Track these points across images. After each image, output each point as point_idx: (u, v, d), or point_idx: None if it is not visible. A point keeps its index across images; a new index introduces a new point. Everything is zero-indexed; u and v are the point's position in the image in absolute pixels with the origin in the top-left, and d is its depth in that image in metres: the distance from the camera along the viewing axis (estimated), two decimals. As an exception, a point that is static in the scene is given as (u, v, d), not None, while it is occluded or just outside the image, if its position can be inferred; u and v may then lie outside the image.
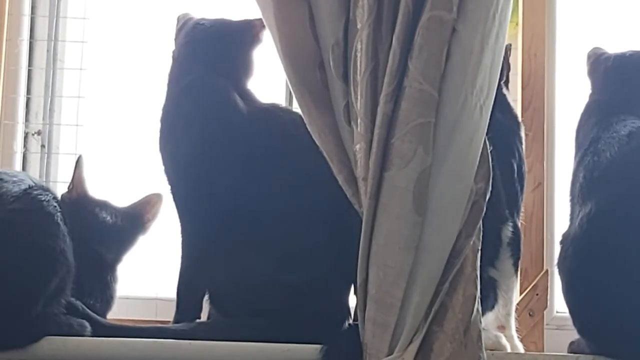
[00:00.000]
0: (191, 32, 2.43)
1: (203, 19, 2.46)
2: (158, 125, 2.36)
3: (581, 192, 2.36)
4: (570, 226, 2.38)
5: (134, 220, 2.49)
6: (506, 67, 2.51)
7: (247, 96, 2.36)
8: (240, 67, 2.41)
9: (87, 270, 2.20)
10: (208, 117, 2.28)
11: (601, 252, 2.25)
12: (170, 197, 2.34)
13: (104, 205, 2.46)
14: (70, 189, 2.45)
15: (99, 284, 2.36)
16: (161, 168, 2.35)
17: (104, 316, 2.32)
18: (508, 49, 2.55)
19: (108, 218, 2.44)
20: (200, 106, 2.30)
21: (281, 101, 2.67)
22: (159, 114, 2.37)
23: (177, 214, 2.32)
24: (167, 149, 2.34)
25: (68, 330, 2.10)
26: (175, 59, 2.44)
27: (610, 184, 2.31)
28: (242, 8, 2.49)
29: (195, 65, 2.37)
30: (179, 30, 2.47)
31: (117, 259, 2.45)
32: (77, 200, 2.41)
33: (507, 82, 2.53)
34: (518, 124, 2.45)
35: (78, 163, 2.47)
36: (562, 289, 2.35)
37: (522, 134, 2.44)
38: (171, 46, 2.52)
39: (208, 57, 2.38)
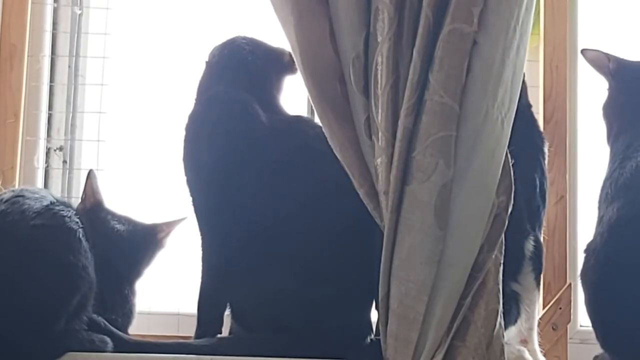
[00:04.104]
0: (229, 45, 2.45)
1: (244, 37, 2.48)
2: (183, 133, 2.36)
3: (606, 200, 2.35)
4: (594, 236, 2.36)
5: (148, 233, 2.49)
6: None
7: (271, 109, 2.36)
8: (270, 84, 2.42)
9: (103, 283, 2.19)
10: (229, 130, 2.28)
11: (622, 262, 2.24)
12: (192, 209, 2.34)
13: (116, 216, 2.46)
14: (83, 199, 2.47)
15: (118, 298, 2.37)
16: (183, 180, 2.34)
17: (125, 330, 2.32)
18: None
19: (120, 227, 2.44)
20: (222, 118, 2.30)
21: (303, 113, 2.67)
22: (185, 121, 2.37)
23: (198, 227, 2.32)
24: (190, 158, 2.33)
25: (90, 346, 2.10)
26: (208, 66, 2.45)
27: (633, 192, 2.30)
28: (266, 24, 2.50)
29: (224, 78, 2.39)
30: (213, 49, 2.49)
31: (133, 271, 2.45)
32: (90, 210, 2.42)
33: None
34: (542, 139, 2.44)
35: (89, 175, 2.49)
36: (585, 301, 2.34)
37: (546, 149, 2.43)
38: (193, 60, 2.53)
39: (238, 72, 2.39)
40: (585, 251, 2.35)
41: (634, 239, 2.25)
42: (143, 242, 2.47)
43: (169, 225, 2.52)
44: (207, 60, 2.46)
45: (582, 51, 2.62)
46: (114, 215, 2.47)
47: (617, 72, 2.55)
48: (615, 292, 2.26)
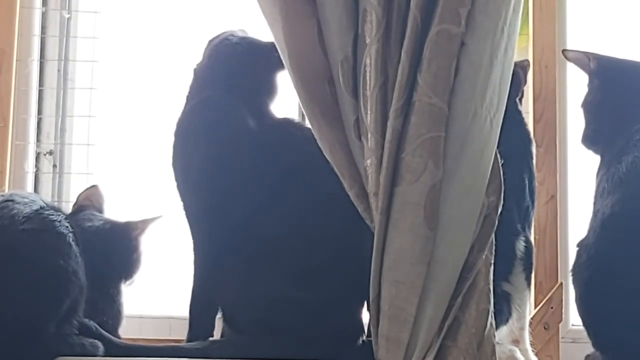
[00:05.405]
0: (215, 49, 2.44)
1: (232, 35, 2.47)
2: (171, 139, 2.36)
3: (602, 195, 2.35)
4: (588, 231, 2.36)
5: (122, 231, 2.48)
6: (524, 80, 2.50)
7: (261, 114, 2.35)
8: (260, 87, 2.40)
9: (89, 284, 2.18)
10: (216, 136, 2.28)
11: (614, 258, 2.23)
12: (183, 213, 2.34)
13: (92, 216, 2.47)
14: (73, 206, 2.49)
15: (104, 298, 2.36)
16: (173, 185, 2.34)
17: (116, 331, 2.33)
18: (527, 65, 2.54)
19: (94, 227, 2.43)
20: (209, 124, 2.30)
21: (294, 116, 2.66)
22: (173, 128, 2.37)
23: (190, 231, 2.32)
24: (179, 165, 2.34)
25: (81, 351, 2.09)
26: (197, 73, 2.44)
27: (627, 187, 2.29)
28: (252, 21, 2.49)
29: (212, 83, 2.38)
30: (209, 43, 2.47)
31: (114, 270, 2.44)
32: (72, 214, 2.43)
33: (521, 98, 2.53)
34: (529, 139, 2.45)
35: (89, 187, 2.55)
36: (575, 299, 2.33)
37: (533, 149, 2.43)
38: (182, 64, 2.52)
39: (227, 76, 2.38)
40: (578, 245, 2.35)
41: (626, 235, 2.24)
42: (117, 239, 2.47)
43: (144, 223, 2.51)
44: (195, 66, 2.45)
45: (564, 52, 2.62)
46: (90, 215, 2.46)
47: (599, 70, 2.55)
48: (606, 289, 2.25)
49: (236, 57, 2.41)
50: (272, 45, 2.29)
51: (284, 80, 2.35)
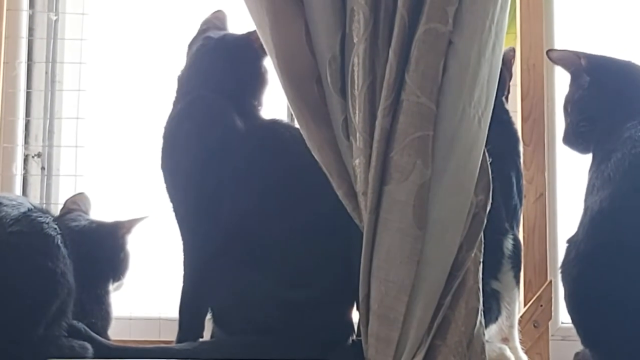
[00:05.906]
0: (197, 51, 2.43)
1: (214, 33, 2.46)
2: (160, 141, 2.35)
3: (592, 192, 2.35)
4: (577, 228, 2.36)
5: (109, 230, 2.48)
6: (508, 76, 2.50)
7: (248, 114, 2.35)
8: (244, 83, 2.39)
9: (76, 285, 2.18)
10: (204, 138, 2.28)
11: (603, 255, 2.23)
12: (172, 215, 2.33)
13: (78, 218, 2.46)
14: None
15: (92, 298, 2.36)
16: (162, 186, 2.34)
17: (105, 333, 2.32)
18: (512, 56, 2.54)
19: (80, 227, 2.43)
20: (196, 127, 2.29)
21: (282, 117, 2.66)
22: (161, 130, 2.36)
23: (180, 232, 2.31)
24: (167, 167, 2.33)
25: (70, 353, 2.09)
26: (181, 78, 2.43)
27: (615, 183, 2.29)
28: (240, 22, 2.49)
29: (196, 85, 2.37)
30: (192, 43, 2.47)
31: (102, 270, 2.44)
32: (59, 217, 2.42)
33: (507, 95, 2.52)
34: (517, 138, 2.45)
35: (77, 194, 2.54)
36: (565, 296, 2.33)
37: (520, 148, 2.44)
38: (170, 65, 2.52)
39: (209, 77, 2.37)
40: (568, 242, 2.35)
41: (615, 232, 2.24)
42: (104, 238, 2.47)
43: (130, 222, 2.51)
44: (179, 73, 2.45)
45: (548, 52, 2.61)
46: (77, 216, 2.46)
47: (590, 68, 2.54)
48: (596, 286, 2.25)
49: (216, 56, 2.40)
50: (247, 35, 2.29)
51: (272, 80, 2.35)
